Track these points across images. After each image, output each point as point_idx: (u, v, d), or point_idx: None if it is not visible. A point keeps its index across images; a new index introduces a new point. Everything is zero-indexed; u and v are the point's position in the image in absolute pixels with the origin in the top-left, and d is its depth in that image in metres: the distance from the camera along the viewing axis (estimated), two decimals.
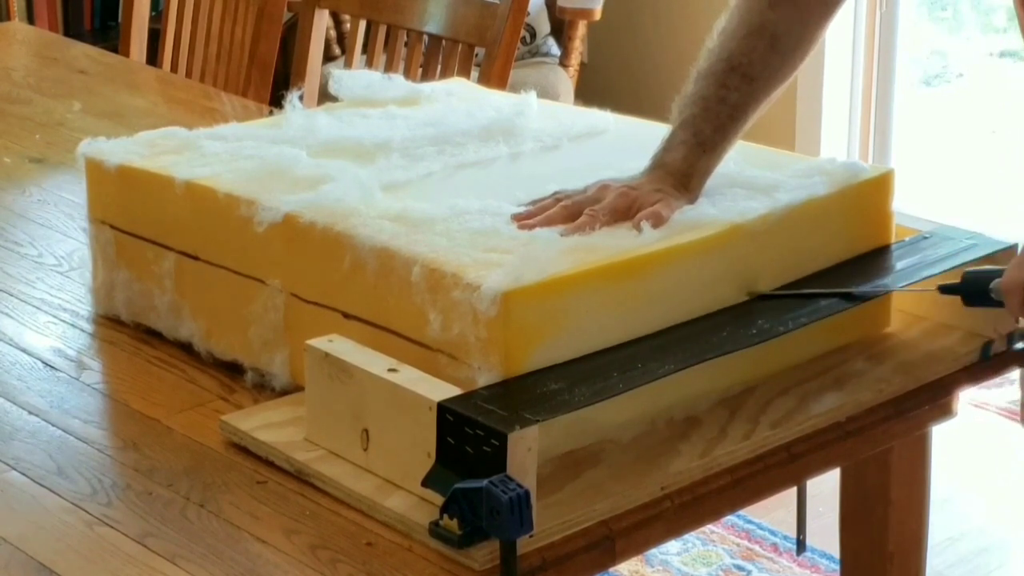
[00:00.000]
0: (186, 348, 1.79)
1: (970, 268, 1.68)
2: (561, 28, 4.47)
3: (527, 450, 1.37)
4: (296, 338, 1.64)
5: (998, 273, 1.62)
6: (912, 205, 4.03)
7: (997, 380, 1.80)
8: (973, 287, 1.65)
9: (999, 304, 1.62)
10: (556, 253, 1.54)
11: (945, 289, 1.67)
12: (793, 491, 1.82)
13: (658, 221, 1.62)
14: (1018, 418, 3.53)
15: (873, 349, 1.74)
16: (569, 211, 1.66)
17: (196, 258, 1.77)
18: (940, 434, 1.89)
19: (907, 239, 1.81)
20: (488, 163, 1.87)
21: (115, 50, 3.31)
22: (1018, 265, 1.58)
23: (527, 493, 1.32)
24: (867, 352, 1.73)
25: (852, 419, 1.65)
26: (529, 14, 3.17)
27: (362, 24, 3.03)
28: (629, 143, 1.90)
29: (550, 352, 1.50)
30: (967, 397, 1.78)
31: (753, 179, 1.75)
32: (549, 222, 1.64)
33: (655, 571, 3.00)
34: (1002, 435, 3.52)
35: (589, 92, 4.47)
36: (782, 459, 1.58)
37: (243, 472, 1.54)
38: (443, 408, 1.41)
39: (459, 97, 2.09)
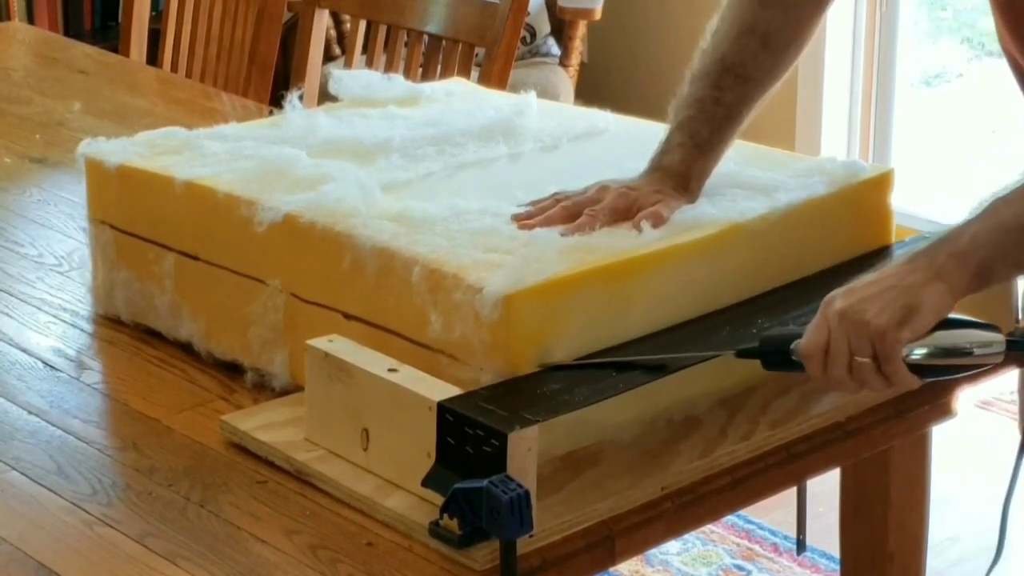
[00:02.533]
0: (186, 348, 1.79)
1: (767, 331, 1.54)
2: (561, 28, 4.47)
3: (527, 450, 1.37)
4: (296, 338, 1.64)
5: (797, 334, 1.50)
6: (912, 205, 4.03)
7: (996, 380, 1.79)
8: (772, 350, 1.51)
9: (801, 368, 1.50)
10: (556, 254, 1.54)
11: (743, 353, 1.52)
12: (793, 491, 1.82)
13: (658, 221, 1.62)
14: (1017, 417, 3.53)
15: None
16: (569, 211, 1.66)
17: (196, 258, 1.77)
18: (940, 434, 1.89)
19: (907, 239, 1.81)
20: (488, 163, 1.87)
21: (115, 50, 3.31)
22: (816, 327, 1.48)
23: (527, 493, 1.32)
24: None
25: (852, 419, 1.65)
26: (529, 14, 3.17)
27: (362, 24, 3.03)
28: (629, 143, 1.90)
29: (551, 352, 1.50)
30: (967, 397, 1.77)
31: (753, 179, 1.75)
32: (549, 222, 1.64)
33: (655, 571, 3.00)
34: (1002, 435, 3.52)
35: (589, 92, 4.46)
36: (782, 459, 1.58)
37: (243, 472, 1.54)
38: (443, 408, 1.41)
39: (459, 97, 2.09)
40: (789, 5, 1.76)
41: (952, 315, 1.50)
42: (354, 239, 1.60)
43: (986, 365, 1.51)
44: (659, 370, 1.51)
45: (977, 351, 1.49)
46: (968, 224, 1.53)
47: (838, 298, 1.48)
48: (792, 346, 1.50)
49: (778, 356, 1.51)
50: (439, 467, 1.41)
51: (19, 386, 1.73)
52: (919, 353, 1.47)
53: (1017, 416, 3.56)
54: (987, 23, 5.06)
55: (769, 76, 1.76)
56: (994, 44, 5.06)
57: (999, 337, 1.50)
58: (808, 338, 1.48)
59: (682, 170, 1.71)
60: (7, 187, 2.35)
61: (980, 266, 1.50)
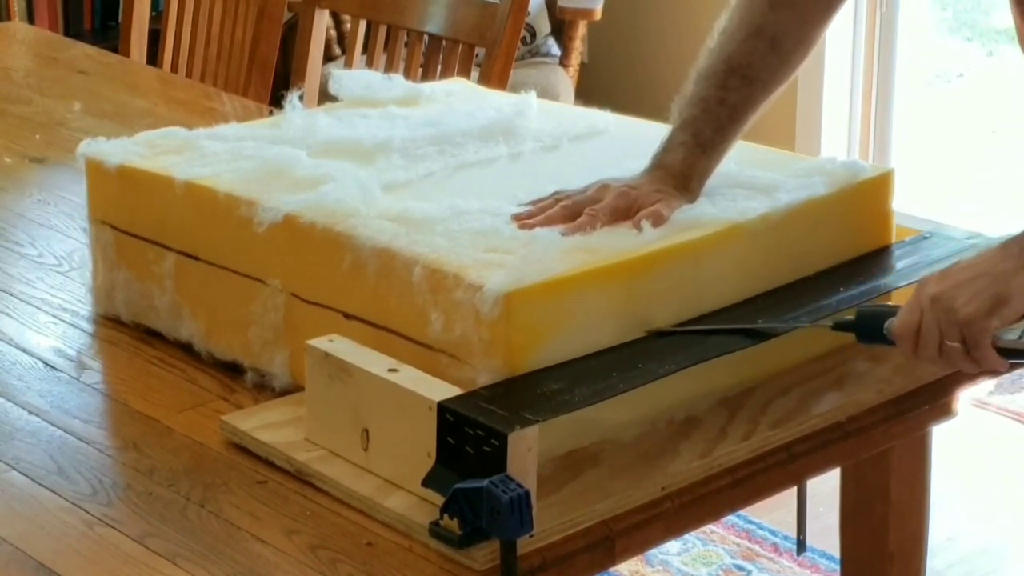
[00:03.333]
0: (186, 348, 1.79)
1: (865, 305, 1.61)
2: (561, 28, 4.47)
3: (527, 450, 1.37)
4: (296, 338, 1.64)
5: (892, 312, 1.55)
6: (912, 205, 4.03)
7: (997, 380, 1.79)
8: (867, 324, 1.57)
9: (892, 344, 1.55)
10: (557, 253, 1.54)
11: (839, 326, 1.59)
12: (793, 491, 1.82)
13: (658, 220, 1.62)
14: (1019, 419, 3.54)
15: (873, 349, 1.74)
16: (569, 211, 1.66)
17: (196, 258, 1.77)
18: (940, 434, 1.89)
19: (907, 239, 1.81)
20: (488, 163, 1.87)
21: (115, 50, 3.31)
22: (909, 309, 1.53)
23: (527, 493, 1.32)
24: (867, 352, 1.73)
25: (852, 419, 1.65)
26: (529, 14, 3.17)
27: (362, 24, 3.03)
28: (629, 143, 1.90)
29: (552, 352, 1.50)
30: (967, 397, 1.77)
31: (753, 179, 1.75)
32: (549, 222, 1.64)
33: (655, 571, 3.00)
34: (1002, 435, 3.52)
35: (589, 92, 4.47)
36: (782, 459, 1.58)
37: (243, 472, 1.54)
38: (443, 408, 1.41)
39: (459, 97, 2.09)
40: (799, 8, 1.76)
41: None
42: (354, 239, 1.60)
43: None
44: (754, 336, 1.57)
45: None
46: None
47: (931, 282, 1.53)
48: (886, 324, 1.55)
49: (872, 332, 1.56)
50: (439, 467, 1.41)
51: (19, 386, 1.73)
52: (1009, 338, 1.50)
53: (1018, 416, 3.56)
54: (987, 23, 5.07)
55: (775, 78, 1.76)
56: (994, 44, 5.07)
57: None
58: (901, 319, 1.53)
59: (683, 169, 1.71)
60: (7, 187, 2.35)
61: None
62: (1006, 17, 1.70)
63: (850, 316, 1.59)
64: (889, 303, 1.60)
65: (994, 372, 1.59)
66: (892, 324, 1.54)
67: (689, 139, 1.72)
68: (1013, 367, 1.59)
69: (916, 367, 1.71)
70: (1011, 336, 1.50)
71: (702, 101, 1.74)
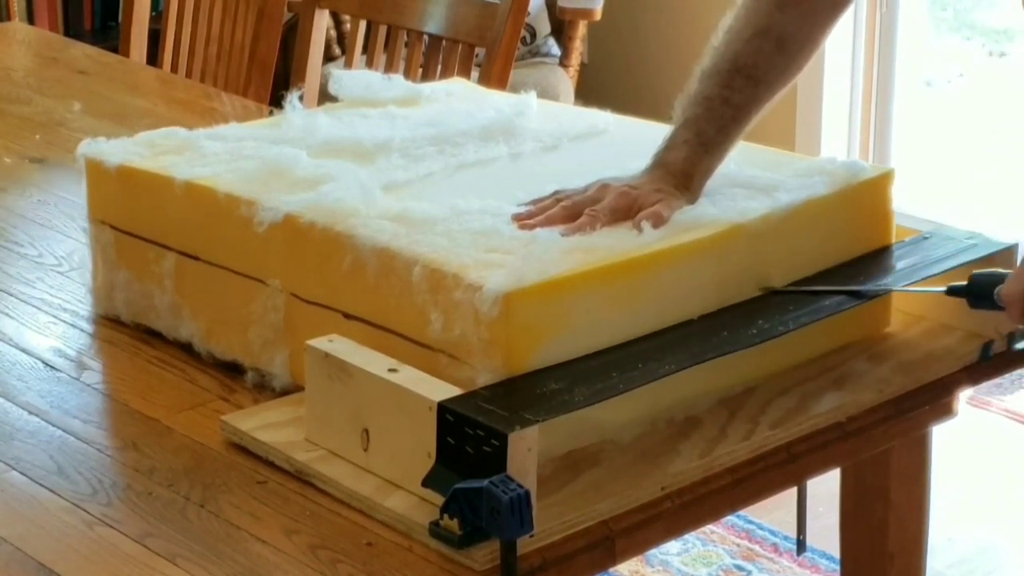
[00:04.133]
0: (186, 348, 1.79)
1: (977, 270, 1.68)
2: (561, 28, 4.47)
3: (527, 450, 1.37)
4: (296, 338, 1.64)
5: (1002, 277, 1.63)
6: (912, 205, 4.03)
7: (997, 380, 1.79)
8: (979, 290, 1.66)
9: (1002, 308, 1.63)
10: (557, 253, 1.54)
11: (953, 290, 1.68)
12: (793, 491, 1.82)
13: (658, 221, 1.62)
14: (1019, 419, 3.54)
15: (873, 349, 1.74)
16: (569, 211, 1.66)
17: (196, 258, 1.77)
18: (940, 434, 1.89)
19: (907, 239, 1.81)
20: (488, 163, 1.87)
21: (115, 50, 3.31)
22: (1018, 276, 1.59)
23: (527, 493, 1.32)
24: (867, 352, 1.73)
25: (852, 419, 1.65)
26: (529, 14, 3.17)
27: (362, 24, 3.03)
28: (629, 143, 1.90)
29: (551, 352, 1.50)
30: (967, 397, 1.77)
31: (753, 179, 1.75)
32: (549, 222, 1.64)
33: (655, 571, 3.00)
34: (1002, 435, 3.52)
35: (589, 92, 4.47)
36: (782, 459, 1.58)
37: (243, 472, 1.54)
38: (443, 408, 1.41)
39: (459, 97, 2.09)
40: (807, 9, 1.75)
41: None
42: (354, 239, 1.60)
43: None
44: (858, 295, 1.65)
45: None
46: None
47: None
48: (996, 289, 1.61)
49: (984, 296, 1.64)
50: (439, 467, 1.41)
51: (19, 386, 1.73)
52: None
53: (1018, 416, 3.56)
54: (988, 23, 5.07)
55: (780, 79, 1.75)
56: (994, 44, 5.06)
57: None
58: (1009, 286, 1.60)
59: (685, 168, 1.71)
60: (7, 187, 2.35)
61: None
62: (1006, 17, 1.71)
63: (963, 282, 1.66)
64: (1000, 270, 1.67)
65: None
66: (1002, 290, 1.60)
67: (692, 138, 1.72)
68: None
69: (916, 367, 1.71)
70: None
71: (706, 100, 1.73)
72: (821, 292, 1.66)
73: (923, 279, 1.71)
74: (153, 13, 3.40)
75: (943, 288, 1.68)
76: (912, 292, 1.72)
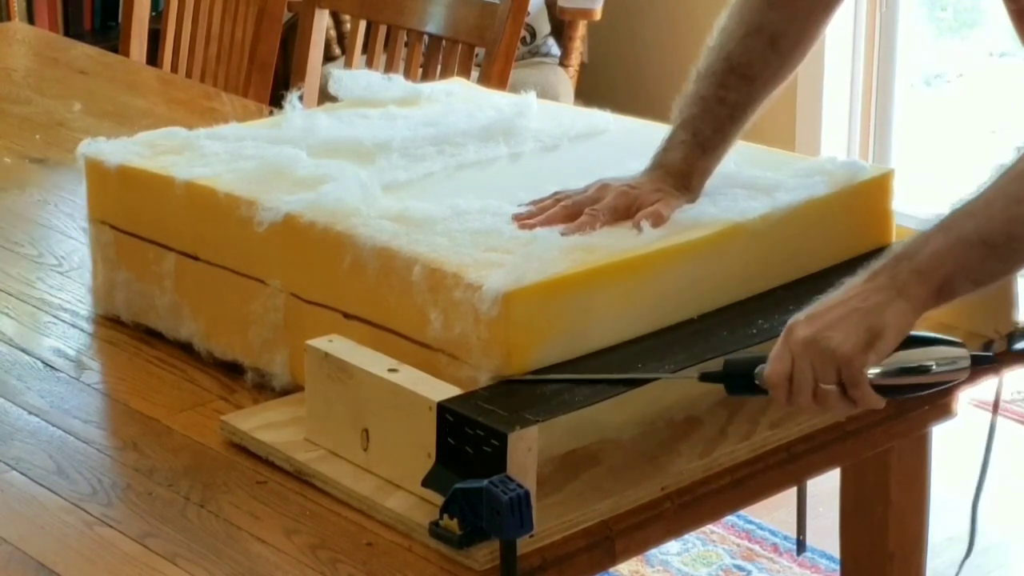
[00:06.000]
0: (186, 348, 1.79)
1: (731, 356, 1.52)
2: (561, 28, 4.47)
3: (527, 450, 1.37)
4: (296, 338, 1.64)
5: (761, 360, 1.48)
6: (912, 205, 4.02)
7: (997, 380, 1.79)
8: (735, 374, 1.49)
9: (765, 392, 1.48)
10: (557, 253, 1.54)
11: (706, 377, 1.50)
12: (793, 491, 1.82)
13: (658, 220, 1.62)
14: (1019, 419, 3.54)
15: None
16: (569, 211, 1.66)
17: (196, 258, 1.77)
18: (940, 434, 1.89)
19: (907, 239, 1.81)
20: (488, 163, 1.87)
21: (115, 50, 3.31)
22: (780, 356, 1.46)
23: (527, 493, 1.32)
24: None
25: (852, 419, 1.65)
26: (529, 14, 3.17)
27: (362, 24, 3.03)
28: (629, 143, 1.90)
29: (551, 352, 1.50)
30: (967, 397, 1.77)
31: (753, 179, 1.75)
32: (549, 222, 1.64)
33: (655, 571, 3.00)
34: (1002, 435, 3.52)
35: (589, 92, 4.46)
36: (782, 459, 1.58)
37: (243, 472, 1.54)
38: (443, 408, 1.41)
39: (459, 97, 2.09)
40: (798, 7, 1.76)
41: (916, 332, 1.48)
42: (354, 239, 1.60)
43: (950, 381, 1.51)
44: (624, 383, 1.49)
45: (936, 368, 1.48)
46: (929, 237, 1.49)
47: (800, 325, 1.46)
48: (756, 371, 1.48)
49: (742, 381, 1.49)
50: (439, 467, 1.41)
51: (19, 386, 1.73)
52: (875, 373, 1.46)
53: (1018, 417, 3.56)
54: (988, 23, 5.07)
55: (775, 77, 1.76)
56: (995, 44, 5.07)
57: (963, 352, 1.49)
58: (772, 367, 1.47)
59: (684, 168, 1.71)
60: (7, 187, 2.35)
61: (942, 282, 1.48)
62: (1006, 17, 1.70)
63: (716, 368, 1.50)
64: (754, 353, 1.52)
65: (871, 411, 1.53)
66: (763, 371, 1.47)
67: (689, 138, 1.72)
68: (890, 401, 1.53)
69: None
70: (876, 371, 1.45)
71: (702, 100, 1.74)
72: (560, 380, 1.49)
73: (674, 371, 1.54)
74: (153, 13, 3.40)
75: (696, 375, 1.51)
76: (666, 379, 1.52)
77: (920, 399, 1.70)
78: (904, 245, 1.51)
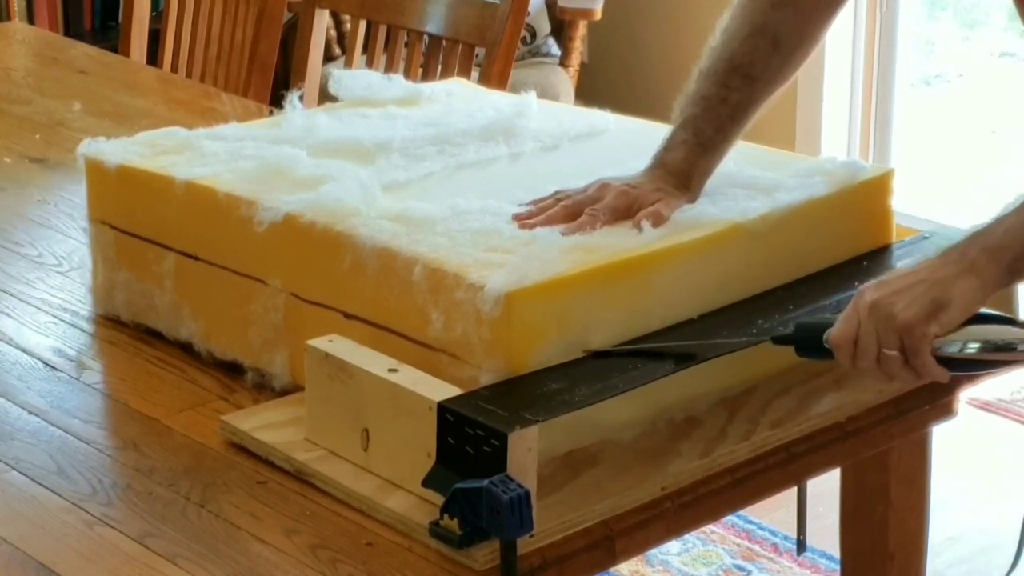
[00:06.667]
0: (186, 348, 1.79)
1: (802, 318, 1.58)
2: (561, 28, 4.47)
3: (527, 450, 1.37)
4: (296, 338, 1.64)
5: (830, 323, 1.52)
6: (912, 205, 4.03)
7: (997, 380, 1.79)
8: (805, 337, 1.54)
9: (832, 356, 1.52)
10: (557, 253, 1.54)
11: (778, 340, 1.56)
12: (793, 491, 1.82)
13: (658, 220, 1.63)
14: (1019, 419, 3.54)
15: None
16: (569, 211, 1.66)
17: (196, 258, 1.77)
18: (940, 434, 1.89)
19: (907, 239, 1.82)
20: (488, 163, 1.87)
21: (115, 50, 3.31)
22: (847, 318, 1.50)
23: (527, 493, 1.32)
24: None
25: (852, 419, 1.65)
26: (529, 14, 3.17)
27: (362, 24, 3.03)
28: (629, 143, 1.90)
29: (552, 352, 1.50)
30: (967, 397, 1.77)
31: (753, 179, 1.75)
32: (550, 221, 1.64)
33: (655, 571, 3.00)
34: (1002, 435, 3.52)
35: (589, 92, 4.47)
36: (782, 459, 1.58)
37: (243, 472, 1.54)
38: (443, 408, 1.41)
39: (459, 97, 2.09)
40: (801, 7, 1.75)
41: (983, 310, 1.50)
42: (354, 239, 1.60)
43: (1022, 362, 1.53)
44: (691, 358, 1.53)
45: (1021, 347, 1.50)
46: (1003, 218, 1.52)
47: (869, 290, 1.50)
48: (824, 335, 1.52)
49: (811, 343, 1.53)
50: (439, 467, 1.41)
51: (19, 386, 1.73)
52: (958, 347, 1.48)
53: (1018, 417, 3.56)
54: (988, 23, 5.07)
55: (777, 77, 1.76)
56: (995, 44, 5.07)
57: None
58: (838, 329, 1.51)
59: (684, 168, 1.71)
60: (7, 187, 2.35)
61: (1014, 261, 1.51)
62: (1006, 17, 1.71)
63: (788, 330, 1.55)
64: (826, 315, 1.56)
65: (935, 382, 1.55)
66: (830, 334, 1.51)
67: (690, 138, 1.72)
68: (955, 379, 1.55)
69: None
70: (952, 348, 1.48)
71: (703, 100, 1.74)
72: (644, 351, 1.54)
73: (748, 337, 1.60)
74: (153, 13, 3.40)
75: (768, 338, 1.56)
76: (741, 347, 1.57)
77: (920, 399, 1.70)
78: (980, 225, 1.54)
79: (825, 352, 1.52)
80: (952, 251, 1.51)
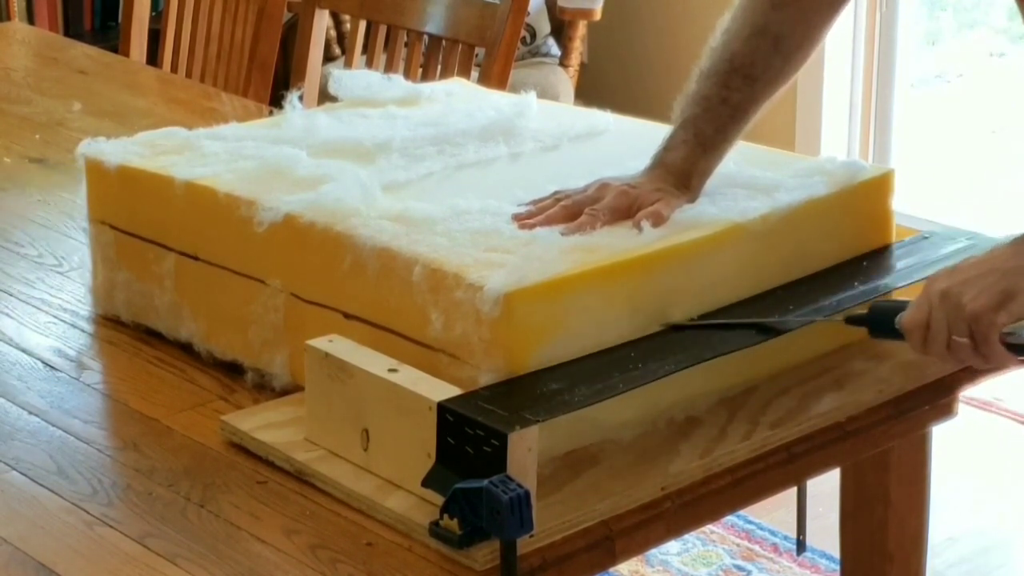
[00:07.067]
0: (186, 348, 1.79)
1: (878, 300, 1.63)
2: (561, 28, 4.47)
3: (527, 450, 1.37)
4: (296, 338, 1.64)
5: (904, 306, 1.56)
6: (912, 205, 4.03)
7: (997, 380, 1.79)
8: (879, 318, 1.58)
9: (903, 338, 1.56)
10: (557, 253, 1.54)
11: (852, 320, 1.60)
12: (793, 491, 1.82)
13: (658, 220, 1.62)
14: (1019, 419, 3.54)
15: (873, 349, 1.74)
16: (569, 211, 1.66)
17: (196, 258, 1.77)
18: (940, 434, 1.89)
19: (907, 239, 1.81)
20: (488, 163, 1.87)
21: (115, 50, 3.31)
22: (919, 304, 1.53)
23: (527, 493, 1.32)
24: (867, 352, 1.73)
25: (852, 419, 1.65)
26: (529, 14, 3.17)
27: (362, 24, 3.03)
28: (629, 143, 1.90)
29: (552, 352, 1.50)
30: (967, 397, 1.77)
31: (753, 179, 1.75)
32: (549, 222, 1.64)
33: (655, 571, 3.00)
34: (1002, 435, 3.52)
35: (589, 92, 4.47)
36: (782, 459, 1.58)
37: (243, 472, 1.54)
38: (443, 408, 1.41)
39: (459, 97, 2.09)
40: (802, 8, 1.76)
41: None
42: (354, 239, 1.60)
43: None
44: (769, 331, 1.58)
45: None
46: None
47: (941, 278, 1.53)
48: (897, 318, 1.55)
49: (884, 325, 1.57)
50: (439, 467, 1.41)
51: (19, 386, 1.73)
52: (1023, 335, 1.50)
53: (1018, 417, 3.56)
54: (988, 22, 5.07)
55: (778, 78, 1.76)
56: (995, 44, 5.07)
57: None
58: (910, 314, 1.54)
59: (685, 168, 1.71)
60: (7, 187, 2.35)
61: None
62: (1006, 17, 1.71)
63: (863, 310, 1.60)
64: (901, 298, 1.61)
65: (1003, 368, 1.59)
66: (902, 318, 1.55)
67: (690, 138, 1.73)
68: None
69: (916, 367, 1.71)
70: (1021, 336, 1.50)
71: (704, 100, 1.74)
72: (721, 326, 1.60)
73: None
74: (153, 13, 3.40)
75: (842, 319, 1.61)
76: (812, 323, 1.62)
77: (920, 399, 1.70)
78: None
79: (897, 334, 1.56)
80: (1022, 242, 1.53)
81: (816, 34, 1.78)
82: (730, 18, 1.77)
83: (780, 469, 1.58)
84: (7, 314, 1.91)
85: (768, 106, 1.77)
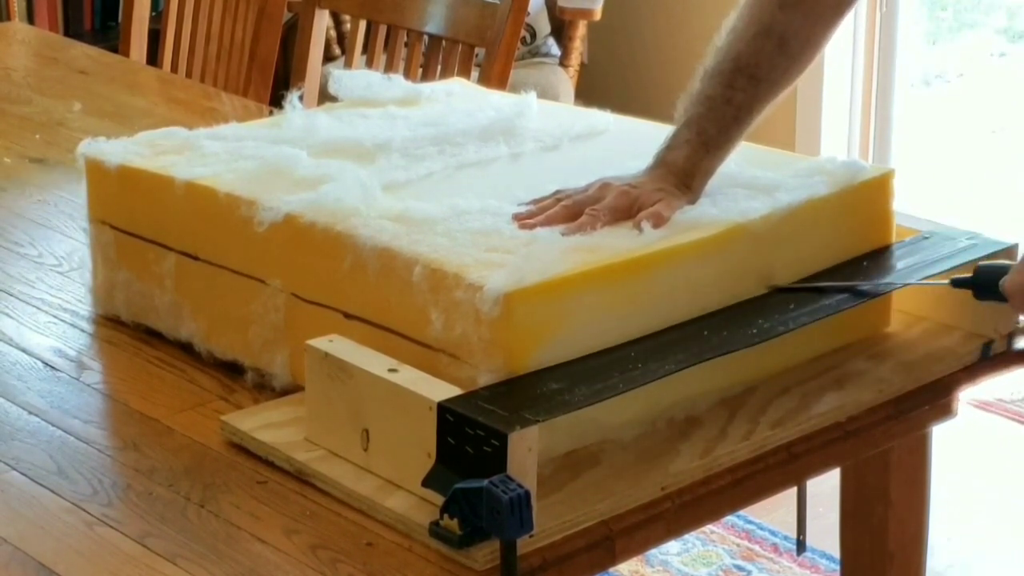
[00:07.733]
0: (186, 348, 1.79)
1: (983, 262, 1.68)
2: (561, 28, 4.47)
3: (527, 450, 1.37)
4: (296, 338, 1.64)
5: (1006, 269, 1.62)
6: (912, 205, 4.02)
7: (998, 380, 1.79)
8: (984, 281, 1.65)
9: (1006, 300, 1.63)
10: (558, 253, 1.54)
11: (957, 282, 1.67)
12: (793, 491, 1.82)
13: (659, 221, 1.62)
14: (1019, 419, 3.54)
15: (873, 349, 1.74)
16: (570, 211, 1.66)
17: (196, 258, 1.77)
18: (940, 434, 1.89)
19: (907, 239, 1.81)
20: (488, 163, 1.87)
21: (115, 50, 3.31)
22: (1020, 270, 1.58)
23: (527, 493, 1.32)
24: (867, 352, 1.73)
25: (852, 419, 1.65)
26: (529, 14, 3.17)
27: (362, 24, 3.03)
28: (629, 143, 1.90)
29: (552, 352, 1.50)
30: (967, 397, 1.77)
31: (754, 179, 1.75)
32: (550, 222, 1.64)
33: (655, 571, 3.00)
34: (1003, 435, 3.52)
35: (589, 92, 4.47)
36: (782, 459, 1.58)
37: (243, 472, 1.54)
38: (443, 408, 1.41)
39: (459, 97, 2.09)
40: (809, 9, 1.75)
41: None
42: (355, 239, 1.60)
43: None
44: (863, 293, 1.66)
45: None
46: None
47: None
48: (1001, 282, 1.60)
49: (989, 288, 1.64)
50: (439, 467, 1.41)
51: (19, 386, 1.73)
52: None
53: (1018, 417, 3.56)
54: (988, 22, 5.07)
55: (782, 79, 1.75)
56: (995, 44, 5.06)
57: None
58: (1012, 278, 1.59)
59: (687, 167, 1.71)
60: (7, 187, 2.35)
61: None
62: (1006, 17, 1.71)
63: (967, 273, 1.66)
64: (1006, 261, 1.67)
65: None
66: (1005, 282, 1.59)
67: (693, 137, 1.72)
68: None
69: (916, 366, 1.71)
70: None
71: (708, 99, 1.73)
72: (827, 289, 1.66)
73: (923, 278, 1.70)
74: (153, 13, 3.40)
75: (947, 281, 1.68)
76: (917, 285, 1.71)
77: (920, 399, 1.70)
78: None
79: (1001, 297, 1.61)
80: None
81: (821, 35, 1.78)
82: (736, 17, 1.77)
83: (780, 469, 1.58)
84: (7, 314, 1.91)
85: (772, 107, 1.77)
